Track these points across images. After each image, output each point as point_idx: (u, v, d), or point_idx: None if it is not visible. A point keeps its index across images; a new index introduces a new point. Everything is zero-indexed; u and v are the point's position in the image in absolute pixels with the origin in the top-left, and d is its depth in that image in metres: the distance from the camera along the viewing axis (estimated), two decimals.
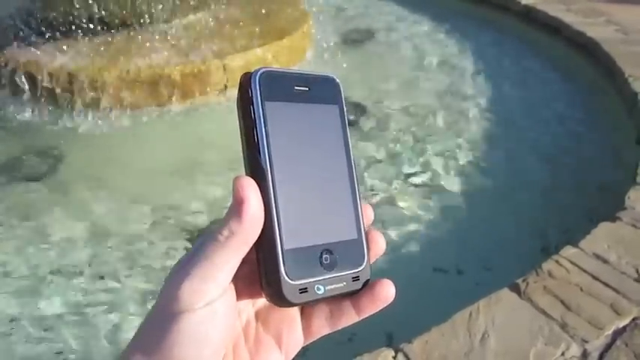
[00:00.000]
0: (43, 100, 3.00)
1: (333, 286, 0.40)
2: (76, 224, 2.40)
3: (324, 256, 0.40)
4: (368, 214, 0.44)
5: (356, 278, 0.41)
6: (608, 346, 1.63)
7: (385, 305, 0.42)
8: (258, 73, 0.40)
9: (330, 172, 0.42)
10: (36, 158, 2.84)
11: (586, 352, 1.60)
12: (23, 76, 3.00)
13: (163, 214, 2.44)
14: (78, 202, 2.54)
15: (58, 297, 2.06)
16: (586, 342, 1.62)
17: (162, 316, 0.37)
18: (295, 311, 0.43)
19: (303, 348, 0.43)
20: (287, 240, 0.39)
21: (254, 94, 0.39)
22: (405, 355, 1.58)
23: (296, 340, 0.43)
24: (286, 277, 0.38)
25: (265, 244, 0.38)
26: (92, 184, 2.66)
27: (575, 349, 1.60)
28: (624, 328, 1.68)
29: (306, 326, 0.43)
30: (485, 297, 1.76)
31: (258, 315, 0.43)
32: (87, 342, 1.88)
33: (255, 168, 0.39)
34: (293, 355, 0.43)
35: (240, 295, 0.40)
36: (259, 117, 0.39)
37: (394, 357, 1.57)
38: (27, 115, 3.03)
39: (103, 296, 2.07)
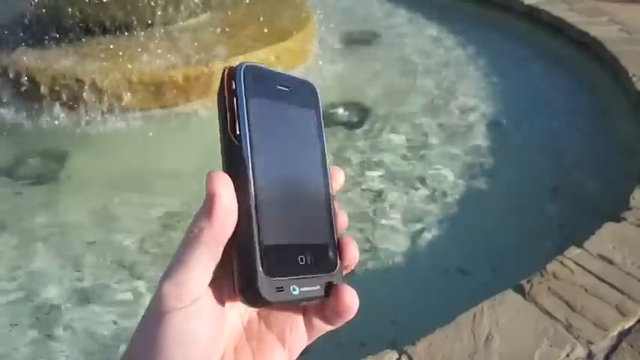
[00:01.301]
0: (46, 102, 3.01)
1: (307, 289, 0.39)
2: (80, 226, 2.41)
3: (299, 256, 0.40)
4: (342, 220, 0.43)
5: (328, 283, 0.41)
6: (614, 348, 1.62)
7: (351, 315, 0.40)
8: (243, 67, 0.40)
9: (307, 174, 0.42)
10: (40, 161, 2.85)
11: (591, 354, 1.59)
12: (27, 80, 3.01)
13: (168, 217, 2.44)
14: (81, 204, 2.54)
15: (63, 295, 2.06)
16: (591, 343, 1.61)
17: (148, 319, 0.37)
18: (298, 309, 0.42)
19: (306, 349, 0.43)
20: (266, 235, 0.38)
21: (238, 87, 0.39)
22: (409, 357, 1.57)
23: (300, 338, 0.42)
24: (263, 274, 0.37)
25: (243, 238, 0.38)
26: (96, 186, 2.66)
27: (580, 351, 1.59)
28: (629, 329, 1.67)
29: (308, 325, 0.42)
30: (490, 298, 1.75)
31: (260, 313, 0.42)
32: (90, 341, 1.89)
33: (236, 161, 0.39)
34: (297, 354, 0.42)
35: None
36: (242, 110, 0.39)
37: (398, 359, 1.57)
38: (30, 117, 3.04)
39: (105, 298, 2.07)
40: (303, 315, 0.42)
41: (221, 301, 0.39)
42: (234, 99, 0.39)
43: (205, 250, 0.37)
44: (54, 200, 2.58)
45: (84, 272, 2.19)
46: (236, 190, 0.38)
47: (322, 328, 0.42)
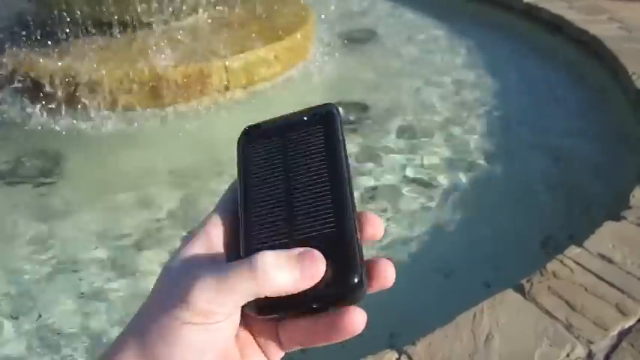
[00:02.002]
0: (43, 102, 3.00)
1: None
2: (76, 226, 2.40)
3: None
4: (373, 232, 0.42)
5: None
6: (614, 347, 1.61)
7: (351, 335, 0.38)
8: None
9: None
10: (37, 160, 2.84)
11: (591, 353, 1.58)
12: (24, 79, 3.00)
13: (165, 217, 2.44)
14: (78, 203, 2.54)
15: (62, 296, 2.05)
16: (591, 343, 1.60)
17: (167, 319, 0.36)
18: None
19: (304, 351, 0.42)
20: None
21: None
22: (409, 357, 1.57)
23: (274, 349, 0.41)
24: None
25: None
26: (93, 186, 2.66)
27: (580, 350, 1.58)
28: (630, 328, 1.67)
29: (284, 334, 0.40)
30: (490, 298, 1.75)
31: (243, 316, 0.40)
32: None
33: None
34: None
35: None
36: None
37: (397, 359, 1.56)
38: (28, 117, 3.03)
39: (105, 299, 2.06)
40: (278, 327, 0.40)
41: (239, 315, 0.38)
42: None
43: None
44: (50, 200, 2.57)
45: (80, 273, 2.18)
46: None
47: (295, 342, 0.40)
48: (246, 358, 0.40)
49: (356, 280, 0.37)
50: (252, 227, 0.41)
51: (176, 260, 0.38)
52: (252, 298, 0.36)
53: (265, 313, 0.38)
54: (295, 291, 0.37)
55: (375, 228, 0.40)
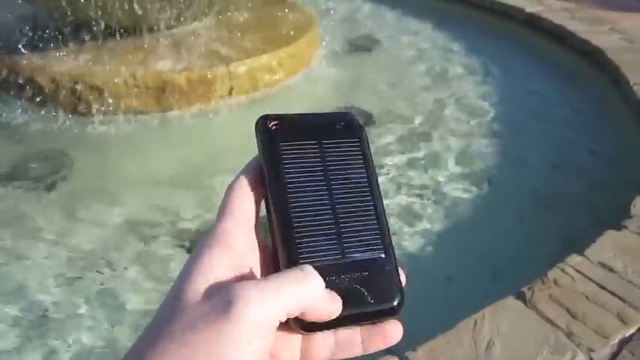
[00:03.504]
0: (48, 104, 3.01)
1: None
2: (80, 231, 2.41)
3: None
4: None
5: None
6: (615, 355, 1.62)
7: (387, 346, 0.40)
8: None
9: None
10: (41, 163, 2.84)
11: None
12: (30, 81, 3.01)
13: (168, 221, 2.44)
14: (83, 207, 2.54)
15: (62, 304, 2.06)
16: (592, 351, 1.61)
17: (213, 328, 0.33)
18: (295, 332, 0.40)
19: None
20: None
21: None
22: None
23: (292, 356, 0.39)
24: None
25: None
26: (97, 189, 2.66)
27: (581, 358, 1.59)
28: (630, 337, 1.67)
29: (305, 347, 0.40)
30: (491, 305, 1.76)
31: None
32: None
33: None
34: None
35: None
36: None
37: None
38: (31, 119, 3.04)
39: (105, 302, 2.07)
40: (303, 339, 0.40)
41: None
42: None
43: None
44: (55, 202, 2.58)
45: (84, 276, 2.18)
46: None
47: (319, 355, 0.40)
48: None
49: (396, 304, 0.40)
50: (294, 235, 0.39)
51: (198, 273, 0.36)
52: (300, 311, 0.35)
53: (309, 329, 0.38)
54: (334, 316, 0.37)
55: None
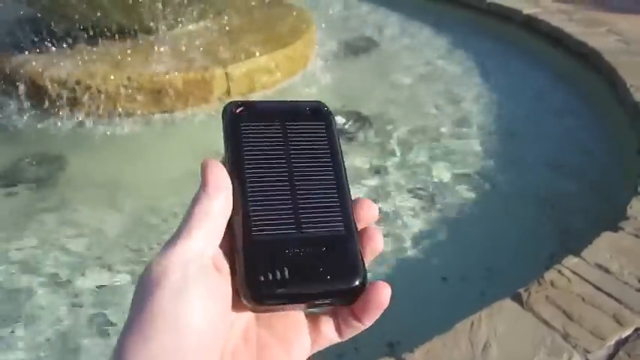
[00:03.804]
0: (45, 106, 3.01)
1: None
2: (77, 232, 2.40)
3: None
4: (375, 246, 0.43)
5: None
6: (611, 357, 1.62)
7: (381, 310, 0.39)
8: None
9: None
10: (38, 165, 2.84)
11: None
12: (27, 83, 3.01)
13: (165, 223, 2.44)
14: (79, 209, 2.54)
15: (58, 303, 2.06)
16: (588, 352, 1.61)
17: (134, 302, 0.34)
18: (300, 314, 0.40)
19: None
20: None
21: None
22: None
23: (303, 344, 0.40)
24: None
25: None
26: (94, 191, 2.66)
27: None
28: (627, 338, 1.68)
29: (313, 332, 0.40)
30: (487, 306, 1.76)
31: (259, 318, 0.40)
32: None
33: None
34: None
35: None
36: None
37: None
38: (29, 121, 3.04)
39: (103, 305, 2.06)
40: (308, 321, 0.40)
41: (224, 290, 0.36)
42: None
43: (196, 218, 0.37)
44: (51, 204, 2.58)
45: (83, 278, 2.18)
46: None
47: (327, 338, 0.40)
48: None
49: (358, 283, 0.38)
50: (252, 212, 0.39)
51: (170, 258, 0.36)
52: (208, 218, 0.37)
53: (260, 305, 0.37)
54: None
55: (376, 242, 0.41)
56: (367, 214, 0.41)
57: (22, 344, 1.90)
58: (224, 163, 0.41)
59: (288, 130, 0.42)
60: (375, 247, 0.41)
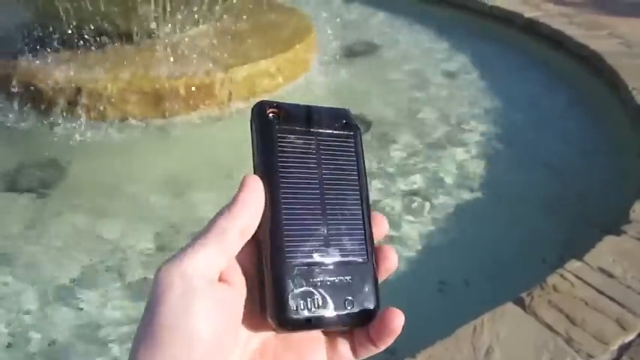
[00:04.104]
0: (45, 110, 3.01)
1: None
2: (77, 237, 2.40)
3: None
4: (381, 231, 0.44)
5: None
6: None
7: (395, 336, 0.40)
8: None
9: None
10: (38, 170, 2.84)
11: None
12: (27, 88, 3.01)
13: (166, 227, 2.44)
14: (80, 214, 2.54)
15: (63, 310, 2.05)
16: (592, 357, 1.60)
17: (145, 314, 0.35)
18: (318, 332, 0.41)
19: None
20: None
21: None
22: None
23: None
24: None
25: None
26: (94, 195, 2.66)
27: None
28: (630, 343, 1.67)
29: (331, 350, 0.41)
30: (490, 311, 1.75)
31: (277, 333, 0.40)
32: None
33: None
34: None
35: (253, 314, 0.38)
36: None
37: None
38: (30, 126, 3.04)
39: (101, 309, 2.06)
40: (325, 339, 0.41)
41: (232, 303, 0.37)
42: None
43: (213, 232, 0.36)
44: (50, 210, 2.57)
45: (79, 282, 2.18)
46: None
47: (347, 356, 0.41)
48: None
49: (373, 309, 0.40)
50: (286, 234, 0.38)
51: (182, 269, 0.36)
52: (228, 236, 0.37)
53: (284, 328, 0.38)
54: None
55: (391, 262, 0.42)
56: (379, 231, 0.43)
57: None
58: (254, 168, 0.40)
59: (320, 141, 0.42)
60: (390, 266, 0.42)
